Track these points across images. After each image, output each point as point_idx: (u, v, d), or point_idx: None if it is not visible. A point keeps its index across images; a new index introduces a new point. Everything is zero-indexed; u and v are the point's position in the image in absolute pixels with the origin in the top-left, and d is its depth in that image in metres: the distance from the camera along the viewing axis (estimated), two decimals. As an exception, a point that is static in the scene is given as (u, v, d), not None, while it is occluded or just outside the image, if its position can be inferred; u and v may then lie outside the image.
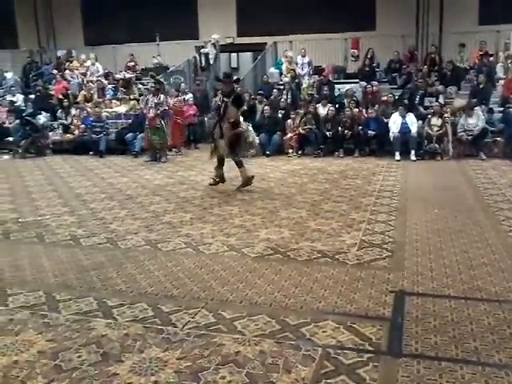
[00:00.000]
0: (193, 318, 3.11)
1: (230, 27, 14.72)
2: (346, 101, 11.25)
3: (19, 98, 13.40)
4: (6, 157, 11.29)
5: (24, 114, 11.83)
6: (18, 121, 11.70)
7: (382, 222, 5.25)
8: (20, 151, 11.15)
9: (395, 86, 12.21)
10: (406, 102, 10.77)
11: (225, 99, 7.01)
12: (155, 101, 9.92)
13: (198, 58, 13.92)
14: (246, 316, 3.12)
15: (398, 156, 9.58)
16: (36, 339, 2.91)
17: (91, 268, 4.07)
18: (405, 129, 9.73)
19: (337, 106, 11.22)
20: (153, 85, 10.39)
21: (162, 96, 10.20)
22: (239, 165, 7.06)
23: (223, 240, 4.75)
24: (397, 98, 10.95)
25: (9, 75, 14.82)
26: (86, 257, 4.36)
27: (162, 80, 11.44)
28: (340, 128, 10.24)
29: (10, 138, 11.68)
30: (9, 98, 13.35)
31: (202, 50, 13.91)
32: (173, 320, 3.09)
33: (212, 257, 4.28)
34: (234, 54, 15.83)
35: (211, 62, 13.83)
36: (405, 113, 9.88)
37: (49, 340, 2.90)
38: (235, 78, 8.10)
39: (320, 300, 3.34)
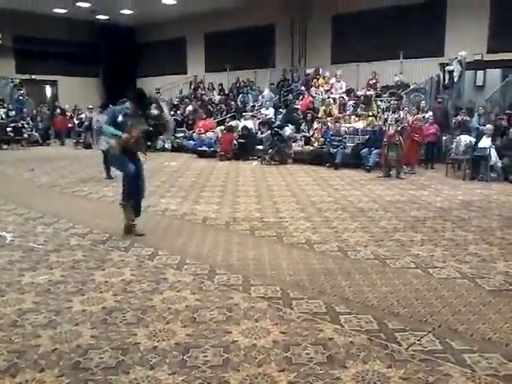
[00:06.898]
0: (419, 340, 3.05)
1: (480, 43, 13.64)
2: None
3: (271, 112, 15.02)
4: (255, 163, 12.78)
5: (274, 126, 13.21)
6: (268, 132, 13.12)
7: None
8: (267, 158, 12.47)
9: None
10: None
11: None
12: (395, 117, 9.93)
13: (441, 75, 13.44)
14: (477, 351, 2.91)
15: None
16: (272, 329, 3.22)
17: (322, 273, 4.31)
18: None
19: None
20: (393, 102, 10.41)
21: (402, 113, 10.17)
22: None
23: (455, 266, 4.50)
24: None
25: (266, 91, 16.73)
26: (318, 261, 4.64)
27: (402, 95, 11.38)
28: None
29: (260, 147, 13.18)
30: (263, 111, 15.12)
31: (446, 68, 13.32)
32: (398, 338, 3.08)
33: (442, 282, 4.10)
34: (480, 72, 14.68)
35: (455, 79, 13.14)
36: None
37: (282, 332, 3.17)
38: None
39: None
